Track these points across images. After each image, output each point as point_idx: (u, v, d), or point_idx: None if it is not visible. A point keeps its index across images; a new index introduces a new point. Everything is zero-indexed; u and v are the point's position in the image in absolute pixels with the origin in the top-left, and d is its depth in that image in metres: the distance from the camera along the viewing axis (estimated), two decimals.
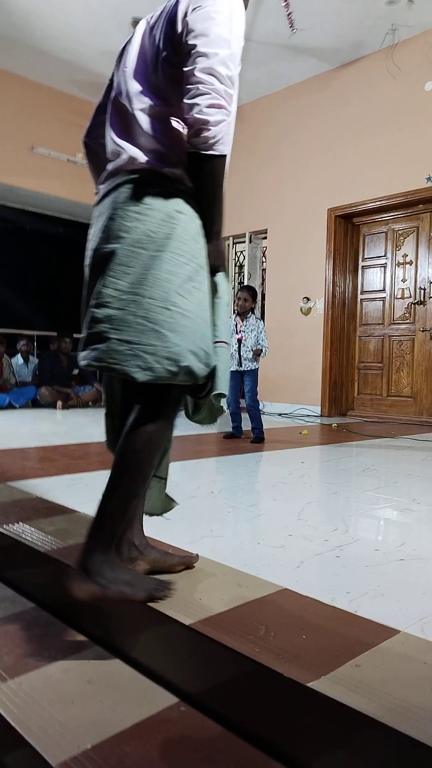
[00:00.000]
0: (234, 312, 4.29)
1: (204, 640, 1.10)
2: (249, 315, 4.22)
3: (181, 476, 2.95)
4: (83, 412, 5.90)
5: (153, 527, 1.83)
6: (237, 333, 4.21)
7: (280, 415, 6.10)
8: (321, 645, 1.08)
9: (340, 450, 3.85)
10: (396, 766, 0.85)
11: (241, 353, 4.17)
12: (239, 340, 4.19)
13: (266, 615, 1.20)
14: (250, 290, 4.25)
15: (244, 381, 4.21)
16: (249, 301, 4.21)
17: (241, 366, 4.19)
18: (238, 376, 4.21)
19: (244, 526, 1.99)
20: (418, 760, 0.82)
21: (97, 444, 3.85)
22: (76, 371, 6.53)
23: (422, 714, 0.87)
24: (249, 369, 4.18)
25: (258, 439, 4.04)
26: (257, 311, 4.35)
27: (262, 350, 4.15)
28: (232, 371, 4.24)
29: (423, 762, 0.82)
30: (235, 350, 4.20)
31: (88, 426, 4.92)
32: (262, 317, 6.86)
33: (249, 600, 1.27)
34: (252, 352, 4.14)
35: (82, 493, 2.33)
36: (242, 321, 4.21)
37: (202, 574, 1.46)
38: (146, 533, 1.73)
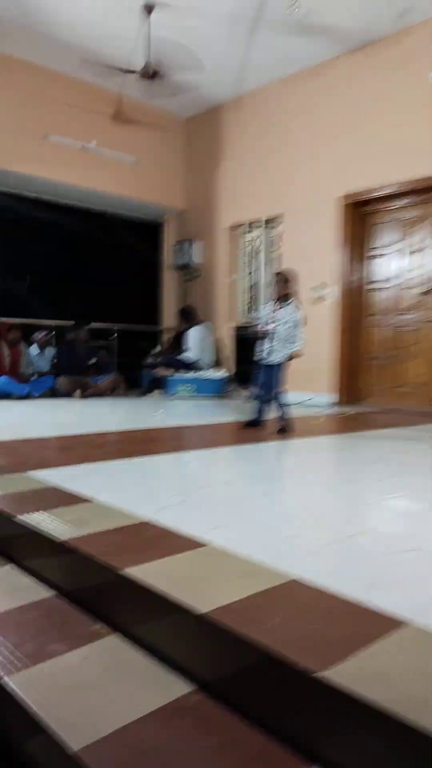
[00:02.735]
0: (273, 300, 4.00)
1: (217, 628, 1.12)
2: (288, 302, 3.89)
3: (196, 465, 2.98)
4: (101, 401, 5.95)
5: (168, 515, 1.86)
6: (270, 322, 3.91)
7: (293, 404, 6.08)
8: (331, 635, 1.10)
9: (353, 439, 3.85)
10: (404, 756, 0.87)
11: (273, 344, 3.90)
12: (272, 331, 3.90)
13: (277, 604, 1.22)
14: (288, 273, 3.95)
15: (272, 372, 3.97)
16: (281, 284, 3.87)
17: (269, 357, 3.93)
18: (267, 367, 3.98)
19: (256, 516, 2.01)
20: (425, 751, 0.84)
21: (114, 433, 3.89)
22: (93, 360, 6.57)
23: (430, 706, 0.89)
24: (275, 361, 3.93)
25: (284, 429, 3.87)
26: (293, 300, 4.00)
27: (298, 353, 3.88)
28: (261, 361, 4.01)
29: (430, 752, 0.84)
30: (267, 340, 3.95)
31: (105, 415, 4.96)
32: None
33: (261, 589, 1.29)
34: (284, 347, 3.87)
35: (100, 481, 2.36)
36: (279, 308, 3.90)
37: (216, 563, 1.48)
38: (158, 522, 1.77)
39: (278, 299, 3.95)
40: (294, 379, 6.35)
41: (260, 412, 4.04)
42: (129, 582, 1.35)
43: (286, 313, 3.90)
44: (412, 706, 0.88)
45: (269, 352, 3.95)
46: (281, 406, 3.98)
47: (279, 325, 3.90)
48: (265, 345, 3.97)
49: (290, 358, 3.97)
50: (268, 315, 3.99)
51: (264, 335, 3.97)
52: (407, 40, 5.31)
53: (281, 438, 3.73)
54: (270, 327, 3.92)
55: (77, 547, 1.54)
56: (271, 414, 4.03)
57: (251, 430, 3.98)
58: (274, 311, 3.95)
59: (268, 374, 4.01)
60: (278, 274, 4.00)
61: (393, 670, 0.98)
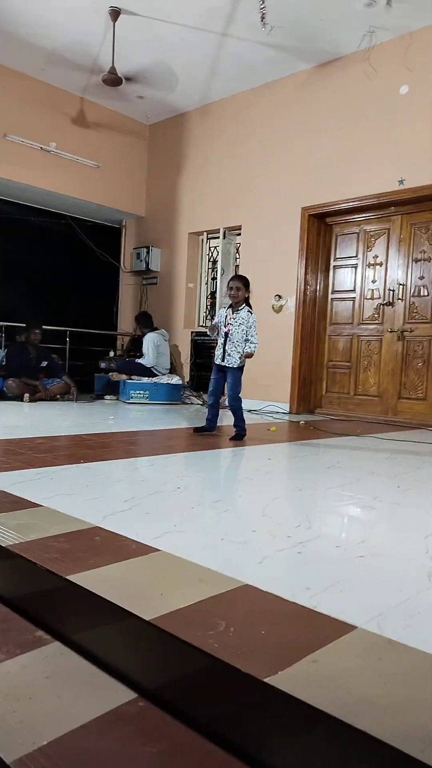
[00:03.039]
0: (227, 304, 4.10)
1: (163, 635, 1.10)
2: (241, 307, 3.98)
3: (148, 471, 2.94)
4: (51, 405, 5.82)
5: (118, 521, 1.83)
6: (225, 326, 4.01)
7: (249, 411, 6.12)
8: (279, 640, 1.09)
9: (307, 447, 3.89)
10: (350, 760, 0.87)
11: (226, 347, 3.97)
12: (226, 334, 3.98)
13: (227, 610, 1.21)
14: (242, 279, 4.03)
15: (227, 377, 4.02)
16: (242, 290, 3.96)
17: (224, 360, 3.99)
18: (220, 370, 4.03)
19: (208, 522, 2.00)
20: (371, 754, 0.84)
21: (64, 437, 3.81)
22: (44, 363, 6.43)
23: (375, 709, 0.89)
24: (231, 366, 3.97)
25: (239, 436, 3.92)
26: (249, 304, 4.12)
27: (251, 353, 3.96)
28: (215, 364, 4.08)
29: (376, 756, 0.84)
30: (221, 343, 4.01)
31: (55, 419, 4.86)
32: None
33: (210, 595, 1.27)
34: (237, 348, 3.94)
35: (47, 487, 2.30)
36: (233, 313, 3.99)
37: (164, 569, 1.46)
38: (107, 527, 1.73)
39: (232, 305, 4.03)
40: (252, 387, 6.43)
41: (213, 418, 4.07)
42: (74, 588, 1.32)
43: (240, 317, 3.99)
44: (360, 710, 0.88)
45: (225, 355, 4.00)
46: (236, 412, 4.00)
47: (233, 327, 3.97)
48: (220, 349, 4.02)
49: (246, 358, 4.02)
50: (222, 319, 4.07)
51: (216, 333, 4.05)
52: (373, 56, 5.47)
53: (235, 445, 3.74)
54: (225, 330, 4.00)
55: (21, 553, 1.49)
56: (224, 420, 4.05)
57: (204, 435, 4.00)
58: (227, 316, 4.04)
59: (223, 379, 4.06)
60: (232, 280, 4.06)
61: (341, 675, 0.98)
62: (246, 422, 4.09)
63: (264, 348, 6.33)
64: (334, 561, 1.58)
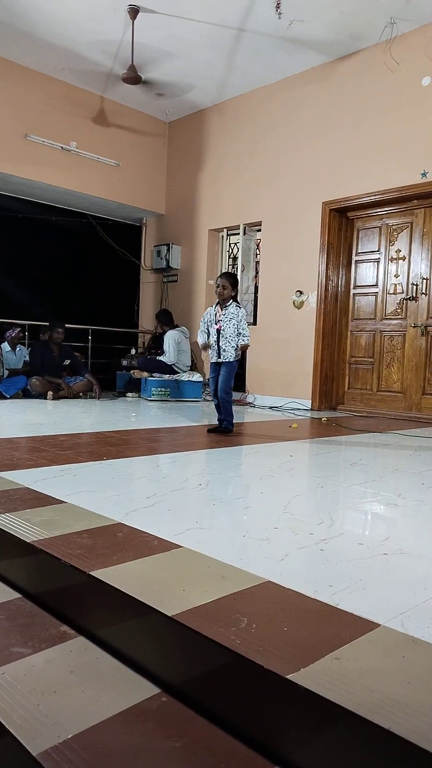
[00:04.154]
0: (215, 302, 4.19)
1: (186, 631, 1.11)
2: (229, 303, 4.08)
3: (169, 468, 2.96)
4: (74, 403, 5.88)
5: (140, 518, 1.84)
6: (216, 323, 4.09)
7: (270, 408, 6.11)
8: (302, 637, 1.09)
9: (329, 444, 3.87)
10: (372, 757, 0.86)
11: (221, 344, 4.06)
12: (218, 330, 4.06)
13: (249, 607, 1.21)
14: (230, 277, 4.12)
15: (221, 369, 4.09)
16: (228, 289, 4.06)
17: (220, 357, 4.08)
18: (218, 368, 4.11)
19: (230, 519, 2.00)
20: (394, 753, 0.84)
21: (87, 434, 3.85)
22: (67, 362, 6.50)
23: (399, 707, 0.89)
24: (227, 360, 4.06)
25: (225, 429, 3.98)
26: (237, 301, 4.23)
27: (246, 345, 4.05)
28: (212, 363, 4.17)
29: (400, 754, 0.83)
30: (214, 341, 4.09)
31: (77, 417, 4.91)
32: (255, 309, 6.86)
33: (232, 592, 1.28)
34: (231, 343, 4.02)
35: (70, 484, 2.33)
36: (222, 310, 4.09)
37: (187, 565, 1.46)
38: (129, 523, 1.75)
39: (220, 302, 4.12)
40: (274, 383, 6.42)
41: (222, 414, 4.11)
42: (98, 584, 1.33)
43: (229, 312, 4.08)
44: (383, 708, 0.88)
45: (220, 351, 4.07)
46: (225, 405, 4.04)
47: (225, 323, 4.06)
48: (214, 346, 4.10)
49: (241, 351, 4.09)
50: (212, 318, 4.14)
51: (209, 351, 4.16)
52: (394, 47, 5.39)
53: (250, 441, 3.74)
54: (216, 327, 4.08)
55: (45, 549, 1.51)
56: (244, 418, 4.07)
57: (220, 434, 3.97)
58: (216, 314, 4.12)
59: (219, 373, 4.11)
60: (220, 278, 4.13)
61: (364, 673, 0.98)
62: (268, 419, 4.09)
63: (285, 344, 6.34)
64: (357, 558, 1.57)
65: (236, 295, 4.22)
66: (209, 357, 4.21)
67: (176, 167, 7.68)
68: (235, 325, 4.04)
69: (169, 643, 1.18)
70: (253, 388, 6.66)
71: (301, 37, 5.52)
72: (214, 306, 4.18)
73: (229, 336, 4.04)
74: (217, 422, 4.13)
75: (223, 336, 4.04)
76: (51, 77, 6.53)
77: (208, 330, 4.17)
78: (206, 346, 4.21)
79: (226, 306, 4.08)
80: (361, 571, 1.47)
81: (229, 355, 4.05)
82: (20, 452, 3.01)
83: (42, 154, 6.56)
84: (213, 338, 4.10)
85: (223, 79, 6.45)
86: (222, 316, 4.06)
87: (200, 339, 4.23)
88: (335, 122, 5.88)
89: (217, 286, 4.08)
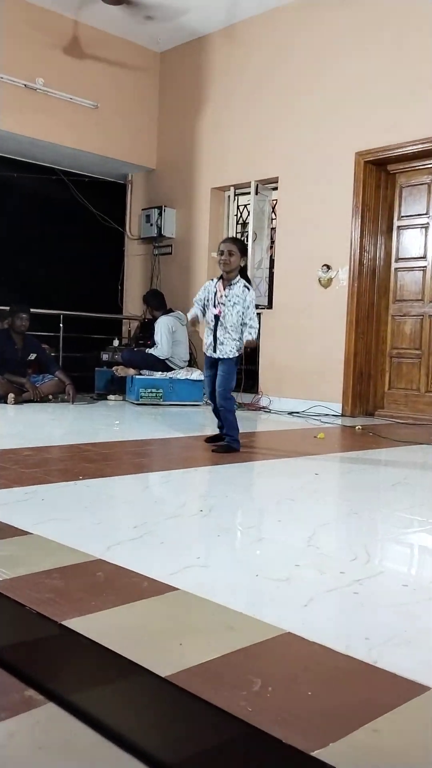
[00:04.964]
0: (217, 277, 3.95)
1: (184, 696, 1.11)
2: (235, 279, 3.86)
3: (162, 490, 2.96)
4: (41, 408, 5.89)
5: (125, 552, 1.84)
6: (215, 306, 3.86)
7: (290, 413, 6.11)
8: (331, 704, 1.09)
9: (365, 459, 3.86)
10: None
11: (218, 334, 3.83)
12: (217, 317, 3.83)
13: (264, 665, 1.21)
14: (237, 242, 3.93)
15: (218, 368, 3.90)
16: (236, 256, 3.81)
17: (216, 351, 3.87)
18: (214, 365, 3.92)
19: (239, 554, 2.00)
20: None
21: (58, 448, 3.85)
22: (33, 356, 6.50)
23: None
24: (225, 357, 3.86)
25: (227, 447, 3.79)
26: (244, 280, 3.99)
27: (252, 340, 3.82)
28: (206, 356, 3.97)
29: None
30: (210, 329, 3.88)
31: (46, 425, 4.92)
32: (270, 288, 6.86)
33: (242, 646, 1.28)
34: (232, 335, 3.82)
35: (38, 510, 2.33)
36: (224, 289, 3.85)
37: (184, 612, 1.46)
38: (112, 560, 1.75)
39: (223, 276, 3.88)
40: (295, 383, 6.42)
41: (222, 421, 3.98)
42: (72, 637, 1.33)
43: (234, 294, 3.83)
44: None
45: (216, 344, 3.86)
46: (226, 415, 3.87)
47: (226, 308, 3.83)
48: (209, 336, 3.89)
49: (243, 350, 3.94)
50: (210, 296, 3.90)
51: (195, 325, 3.99)
52: None
53: (264, 456, 3.73)
54: (215, 312, 3.85)
55: (5, 593, 1.52)
56: (258, 426, 4.04)
57: (219, 446, 3.88)
58: (216, 292, 3.87)
59: (215, 373, 3.93)
60: (224, 242, 3.92)
61: (409, 748, 0.98)
62: (287, 427, 4.08)
63: (309, 333, 6.34)
64: (400, 604, 1.57)
65: (245, 268, 4.03)
66: (203, 347, 4.03)
67: (170, 109, 7.69)
68: (240, 312, 3.82)
69: (162, 712, 1.18)
70: (268, 389, 6.66)
71: None
72: (215, 281, 3.95)
73: (230, 326, 3.82)
74: (218, 428, 4.02)
75: (222, 325, 3.82)
76: None
77: (205, 308, 3.95)
78: (195, 322, 4.03)
79: (231, 284, 3.85)
80: (406, 619, 1.47)
81: (228, 350, 3.84)
82: None
83: (0, 94, 6.57)
84: (210, 323, 3.91)
85: None
86: (224, 297, 3.83)
87: (191, 312, 4.00)
88: (370, 48, 5.87)
89: (221, 253, 3.83)
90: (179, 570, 1.73)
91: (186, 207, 7.55)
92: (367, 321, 6.16)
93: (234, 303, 3.83)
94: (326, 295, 6.23)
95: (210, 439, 4.03)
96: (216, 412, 4.01)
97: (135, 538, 2.02)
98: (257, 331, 3.88)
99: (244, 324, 3.85)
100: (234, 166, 7.03)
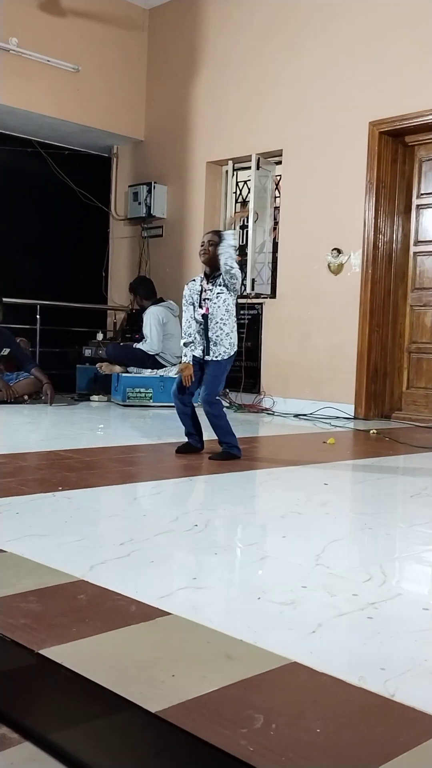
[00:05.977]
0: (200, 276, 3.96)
1: (176, 733, 1.11)
2: (218, 273, 3.85)
3: (152, 502, 2.96)
4: (16, 410, 5.89)
5: (109, 574, 1.84)
6: (201, 306, 3.85)
7: (296, 416, 6.12)
8: (342, 742, 1.09)
9: (380, 467, 3.86)
10: None
11: (210, 334, 3.83)
12: (205, 316, 3.83)
13: (266, 699, 1.21)
14: (219, 233, 3.95)
15: (206, 371, 3.88)
16: (214, 252, 3.82)
17: (209, 353, 3.86)
18: (201, 368, 3.89)
19: (239, 574, 2.00)
20: None
21: (34, 455, 3.85)
22: (5, 351, 6.49)
23: None
24: (218, 358, 3.86)
25: (226, 454, 3.79)
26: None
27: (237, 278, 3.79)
28: (194, 359, 3.89)
29: None
30: (200, 330, 3.86)
31: (21, 429, 4.92)
32: (273, 275, 6.86)
33: (242, 678, 1.28)
34: (224, 330, 3.81)
35: (12, 525, 2.33)
36: (208, 284, 3.88)
37: (177, 640, 1.46)
38: (95, 581, 1.75)
39: (206, 273, 3.91)
40: (302, 383, 6.42)
41: (189, 428, 3.97)
42: (50, 667, 1.33)
43: (218, 283, 3.85)
44: None
45: (209, 345, 3.85)
46: (217, 421, 3.85)
47: (213, 303, 3.84)
48: (200, 338, 3.87)
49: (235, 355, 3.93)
50: (195, 296, 3.90)
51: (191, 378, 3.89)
52: None
53: (267, 465, 3.73)
54: (202, 311, 3.85)
55: None
56: (260, 431, 4.04)
57: (193, 455, 3.89)
58: (201, 290, 3.88)
59: (203, 376, 3.91)
60: (207, 234, 3.96)
61: None
62: (293, 432, 4.08)
63: (317, 325, 6.35)
64: (421, 630, 1.57)
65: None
66: (185, 353, 3.94)
67: (160, 73, 7.69)
68: (225, 299, 3.83)
69: (153, 752, 1.18)
70: (272, 388, 6.67)
71: None
72: (198, 279, 3.96)
73: (221, 319, 3.82)
74: (185, 436, 3.97)
75: (212, 321, 3.82)
76: None
77: (195, 316, 3.91)
78: (188, 375, 3.90)
79: (214, 276, 3.86)
80: (427, 648, 1.47)
81: (222, 350, 3.84)
82: None
83: None
84: (198, 326, 3.89)
85: None
86: (209, 291, 3.84)
87: (185, 357, 3.93)
88: (388, 13, 5.87)
89: (202, 244, 3.88)
90: (171, 592, 1.74)
91: (178, 183, 7.54)
92: (383, 312, 6.17)
93: (218, 293, 3.83)
94: (336, 283, 6.23)
95: (181, 449, 3.96)
96: (183, 414, 3.95)
97: (121, 557, 2.02)
98: (238, 278, 3.86)
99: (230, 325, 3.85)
100: (232, 138, 7.02)
